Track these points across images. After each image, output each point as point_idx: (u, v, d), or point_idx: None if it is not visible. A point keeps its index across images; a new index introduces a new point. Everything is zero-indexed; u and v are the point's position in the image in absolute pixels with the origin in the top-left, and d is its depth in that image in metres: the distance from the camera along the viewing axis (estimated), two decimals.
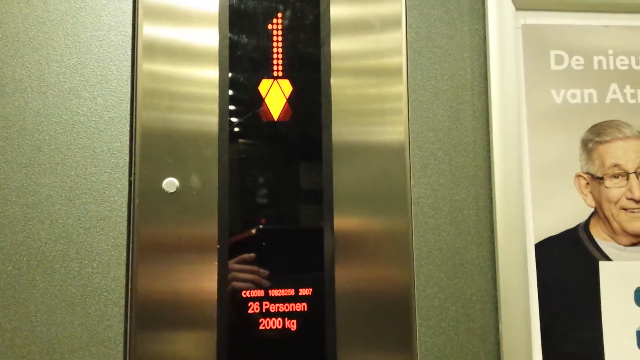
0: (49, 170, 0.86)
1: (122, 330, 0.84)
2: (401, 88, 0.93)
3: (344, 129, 0.90)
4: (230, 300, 0.86)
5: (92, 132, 0.87)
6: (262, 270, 0.87)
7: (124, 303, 0.84)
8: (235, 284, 0.86)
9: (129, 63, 0.89)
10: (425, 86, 0.95)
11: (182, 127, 0.87)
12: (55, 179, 0.86)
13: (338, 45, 0.92)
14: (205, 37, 0.89)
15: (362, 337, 0.87)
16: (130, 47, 0.89)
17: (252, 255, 0.87)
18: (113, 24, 0.89)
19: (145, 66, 0.88)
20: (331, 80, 0.91)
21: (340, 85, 0.91)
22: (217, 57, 0.89)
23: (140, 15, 0.89)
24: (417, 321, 0.89)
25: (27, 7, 0.88)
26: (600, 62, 0.99)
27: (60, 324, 0.83)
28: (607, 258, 0.94)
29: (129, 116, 0.88)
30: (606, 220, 0.95)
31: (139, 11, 0.89)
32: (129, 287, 0.85)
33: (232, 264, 0.86)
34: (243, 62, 0.90)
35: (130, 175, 0.87)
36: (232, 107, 0.89)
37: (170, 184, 0.86)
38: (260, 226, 0.88)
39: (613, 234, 0.95)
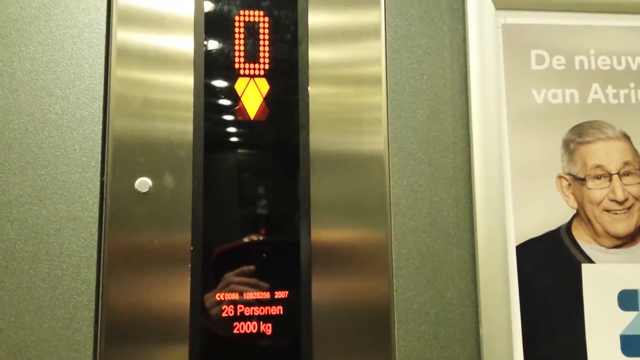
0: (19, 169, 0.87)
1: (92, 333, 0.85)
2: (380, 98, 0.95)
3: (321, 137, 0.92)
4: (203, 304, 0.87)
5: (64, 130, 0.89)
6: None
7: (94, 306, 0.86)
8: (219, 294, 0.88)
9: (102, 61, 0.91)
10: (405, 86, 0.97)
11: (156, 125, 0.89)
12: (26, 179, 0.87)
13: (315, 50, 0.94)
14: (182, 31, 0.92)
15: (339, 342, 0.89)
16: (104, 45, 0.91)
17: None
18: (87, 22, 0.92)
19: (119, 72, 0.90)
20: (309, 88, 0.93)
21: (318, 94, 0.93)
22: (193, 57, 0.92)
23: (115, 18, 0.91)
24: (395, 325, 0.91)
25: (0, 4, 0.91)
26: (581, 62, 1.01)
27: (28, 327, 0.85)
28: (590, 260, 0.96)
29: (101, 115, 0.90)
30: (589, 222, 0.97)
31: (113, 15, 0.91)
32: (100, 289, 0.86)
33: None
34: (218, 64, 0.93)
35: (102, 175, 0.89)
36: (208, 108, 0.91)
37: (143, 183, 0.87)
38: (237, 228, 0.90)
39: (596, 235, 0.97)
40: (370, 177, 0.93)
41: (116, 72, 0.90)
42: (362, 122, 0.94)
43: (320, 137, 0.92)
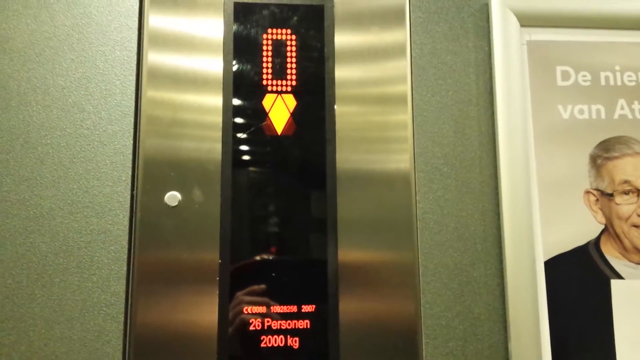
0: (51, 183, 0.90)
1: (121, 346, 0.86)
2: (407, 117, 0.97)
3: (348, 155, 0.94)
4: (231, 316, 0.88)
5: (95, 145, 0.91)
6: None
7: (122, 318, 0.87)
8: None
9: (134, 78, 0.93)
10: (431, 101, 0.98)
11: (185, 139, 0.91)
12: (57, 192, 0.89)
13: (341, 68, 0.96)
14: (211, 50, 0.94)
15: (366, 356, 0.89)
16: (135, 62, 0.94)
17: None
18: (118, 40, 0.94)
19: (150, 91, 0.92)
20: (336, 107, 0.95)
21: (345, 112, 0.95)
22: (222, 73, 0.94)
23: (146, 39, 0.94)
24: (423, 340, 0.91)
25: (35, 22, 0.94)
26: (607, 78, 1.02)
27: (58, 339, 0.86)
28: (619, 276, 0.96)
29: (132, 130, 0.92)
30: (617, 238, 0.97)
31: (144, 35, 0.94)
32: (129, 302, 0.88)
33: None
34: (247, 80, 0.95)
35: (132, 189, 0.90)
36: (236, 123, 0.93)
37: (173, 197, 0.89)
38: (264, 242, 0.91)
39: (625, 251, 0.97)
40: (396, 194, 0.93)
41: (147, 91, 0.92)
42: (388, 140, 0.95)
43: (347, 156, 0.93)
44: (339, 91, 0.95)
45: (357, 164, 0.94)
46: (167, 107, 0.91)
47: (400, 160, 0.95)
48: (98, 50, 0.94)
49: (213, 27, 0.95)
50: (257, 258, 0.91)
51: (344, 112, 0.95)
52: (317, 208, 0.93)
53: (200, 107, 0.92)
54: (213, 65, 0.94)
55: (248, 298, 0.89)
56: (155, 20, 0.94)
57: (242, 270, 0.90)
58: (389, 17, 0.98)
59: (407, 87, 0.97)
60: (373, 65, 0.97)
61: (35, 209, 0.89)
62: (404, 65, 0.98)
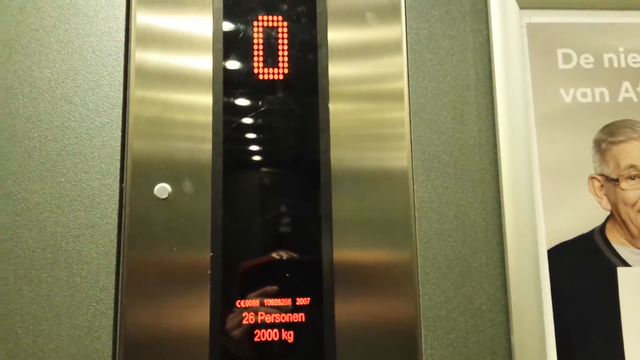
0: (39, 177, 0.88)
1: (111, 342, 0.84)
2: (403, 114, 0.94)
3: (343, 152, 0.92)
4: (223, 311, 0.86)
5: (83, 138, 0.89)
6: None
7: (112, 314, 0.85)
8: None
9: (122, 68, 0.92)
10: (427, 87, 0.96)
11: (175, 130, 0.89)
12: (45, 186, 0.88)
13: (336, 69, 0.94)
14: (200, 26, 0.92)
15: (363, 349, 0.86)
16: (123, 53, 0.92)
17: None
18: (106, 30, 0.93)
19: (138, 79, 0.90)
20: (329, 100, 0.93)
21: (339, 110, 0.93)
22: (212, 56, 0.92)
23: (133, 19, 0.92)
24: (422, 332, 0.88)
25: (20, 14, 0.92)
26: (610, 60, 0.99)
27: (46, 336, 0.84)
28: (626, 264, 0.93)
29: (120, 122, 0.90)
30: (623, 224, 0.94)
31: (131, 20, 0.93)
32: (119, 297, 0.86)
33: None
34: (238, 70, 0.93)
35: (121, 182, 0.88)
36: (227, 113, 0.91)
37: (162, 189, 0.87)
38: (257, 235, 0.89)
39: (631, 238, 0.94)
40: (394, 192, 0.91)
41: (135, 81, 0.90)
42: (385, 138, 0.93)
43: (343, 152, 0.91)
44: (333, 88, 0.93)
45: (353, 161, 0.91)
46: (156, 92, 0.90)
47: (397, 157, 0.92)
48: (85, 41, 0.93)
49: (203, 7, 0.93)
50: (251, 251, 0.89)
51: (338, 110, 0.92)
52: (311, 201, 0.90)
53: (192, 98, 0.90)
54: (204, 54, 0.92)
55: (242, 292, 0.87)
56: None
57: (234, 264, 0.87)
58: (384, 1, 0.96)
59: (404, 69, 0.95)
60: (368, 59, 0.94)
61: (22, 204, 0.87)
62: (400, 60, 0.95)
